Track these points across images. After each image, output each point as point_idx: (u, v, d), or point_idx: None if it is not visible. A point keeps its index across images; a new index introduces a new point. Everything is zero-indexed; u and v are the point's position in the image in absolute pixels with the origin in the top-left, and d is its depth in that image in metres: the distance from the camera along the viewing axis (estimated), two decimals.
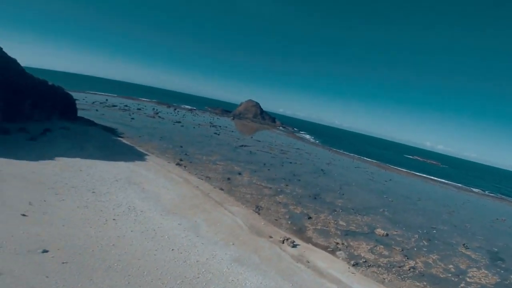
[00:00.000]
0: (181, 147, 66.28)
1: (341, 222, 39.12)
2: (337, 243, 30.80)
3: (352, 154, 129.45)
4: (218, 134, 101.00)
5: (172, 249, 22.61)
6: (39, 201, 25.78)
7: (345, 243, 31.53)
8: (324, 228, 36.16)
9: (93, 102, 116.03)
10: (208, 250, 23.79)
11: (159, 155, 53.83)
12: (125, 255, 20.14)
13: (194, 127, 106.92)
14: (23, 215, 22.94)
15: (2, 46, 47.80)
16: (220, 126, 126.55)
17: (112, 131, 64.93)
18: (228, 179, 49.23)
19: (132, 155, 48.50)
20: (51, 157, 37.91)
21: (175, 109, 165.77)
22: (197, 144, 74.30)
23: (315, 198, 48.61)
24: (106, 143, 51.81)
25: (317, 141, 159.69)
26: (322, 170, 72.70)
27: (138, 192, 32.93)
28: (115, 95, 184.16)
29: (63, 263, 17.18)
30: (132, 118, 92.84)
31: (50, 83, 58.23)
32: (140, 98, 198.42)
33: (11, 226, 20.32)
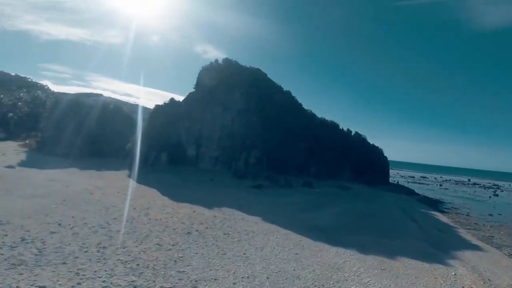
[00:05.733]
0: None
1: None
2: None
3: None
4: None
5: None
6: None
7: None
8: None
9: (444, 180, 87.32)
10: None
11: None
12: None
13: None
14: None
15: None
16: None
17: (433, 203, 35.70)
18: None
19: (422, 243, 16.79)
20: (219, 205, 19.57)
21: None
22: None
23: None
24: (389, 215, 24.18)
25: None
26: None
27: None
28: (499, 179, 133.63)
29: None
30: (495, 195, 54.25)
31: (340, 127, 42.93)
32: None
33: None
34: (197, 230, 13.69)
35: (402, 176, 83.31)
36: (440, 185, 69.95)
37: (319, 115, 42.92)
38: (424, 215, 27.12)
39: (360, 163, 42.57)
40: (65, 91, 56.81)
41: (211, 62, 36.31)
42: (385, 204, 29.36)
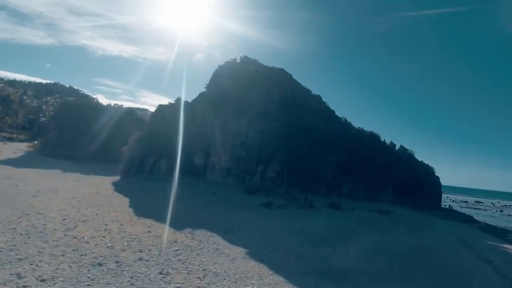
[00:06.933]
0: None
1: None
2: None
3: None
4: None
5: None
6: None
7: None
8: None
9: (504, 205, 75.41)
10: None
11: None
12: None
13: None
14: None
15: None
16: None
17: (501, 233, 28.36)
18: None
19: None
20: (197, 226, 14.36)
21: None
22: None
23: None
24: (445, 251, 16.53)
25: None
26: None
27: None
28: None
29: None
30: None
31: (383, 139, 35.66)
32: None
33: None
34: (118, 262, 8.47)
35: (453, 201, 72.31)
36: (501, 210, 60.23)
37: (355, 125, 36.18)
38: (496, 250, 19.11)
39: (405, 182, 34.52)
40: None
41: (227, 61, 32.16)
42: (439, 234, 21.67)
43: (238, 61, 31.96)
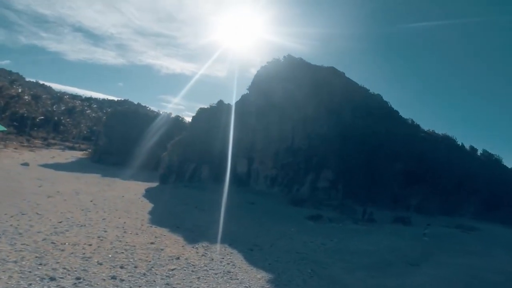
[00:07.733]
0: None
1: None
2: None
3: None
4: None
5: None
6: None
7: None
8: None
9: None
10: None
11: None
12: None
13: None
14: None
15: None
16: None
17: None
18: None
19: None
20: (220, 240, 11.96)
21: None
22: None
23: None
24: None
25: None
26: None
27: None
28: None
29: None
30: None
31: (460, 144, 29.27)
32: None
33: None
34: (79, 278, 6.21)
35: None
36: None
37: (425, 127, 30.30)
38: None
39: (492, 194, 27.46)
40: None
41: (269, 61, 29.78)
42: None
43: (281, 60, 29.43)
